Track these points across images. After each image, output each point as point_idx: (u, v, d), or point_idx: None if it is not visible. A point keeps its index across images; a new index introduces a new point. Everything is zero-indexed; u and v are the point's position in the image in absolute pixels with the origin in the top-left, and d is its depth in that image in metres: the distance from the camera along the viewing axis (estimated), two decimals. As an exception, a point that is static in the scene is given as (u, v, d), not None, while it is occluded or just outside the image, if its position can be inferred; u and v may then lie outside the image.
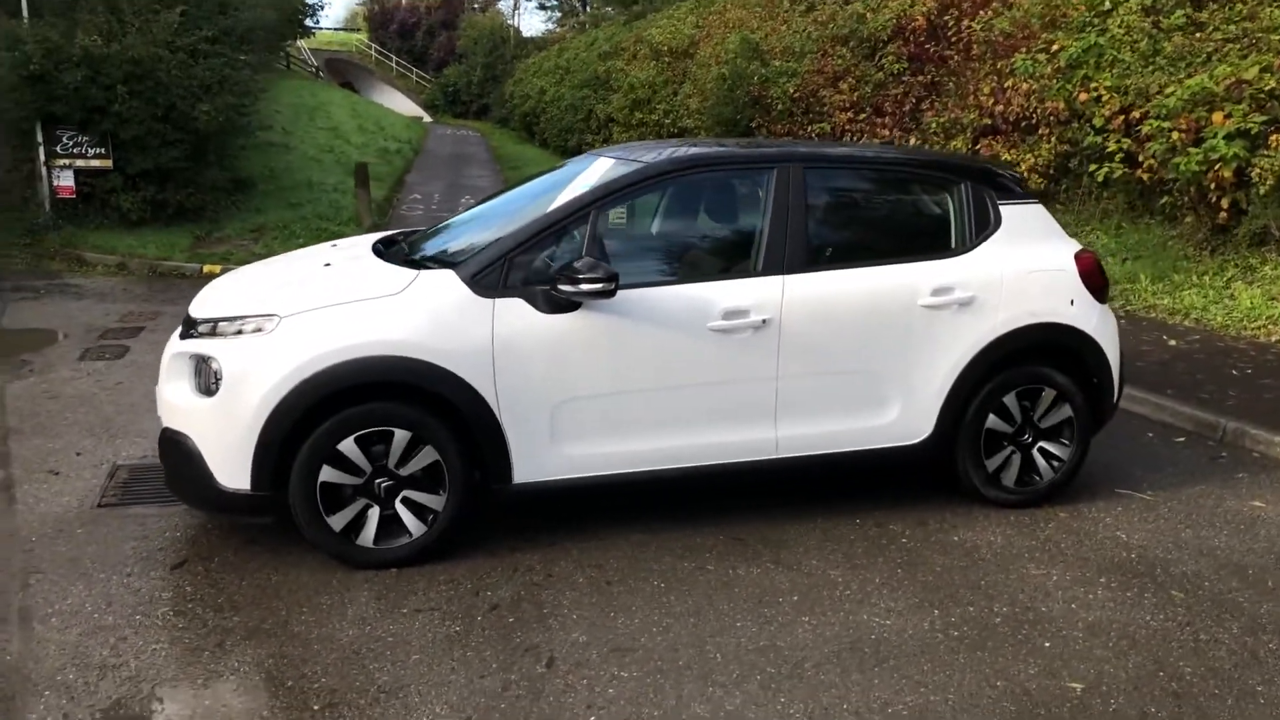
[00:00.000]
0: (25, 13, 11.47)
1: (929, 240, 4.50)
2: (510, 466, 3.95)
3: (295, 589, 3.73)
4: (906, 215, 4.66)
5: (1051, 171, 11.87)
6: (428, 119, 49.12)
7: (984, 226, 4.47)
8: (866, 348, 4.26)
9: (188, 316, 4.06)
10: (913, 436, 4.41)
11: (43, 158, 11.77)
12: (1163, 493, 4.88)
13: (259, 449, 3.70)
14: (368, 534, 3.86)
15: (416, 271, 3.94)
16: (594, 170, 4.38)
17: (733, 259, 4.32)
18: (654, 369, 4.02)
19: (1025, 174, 11.90)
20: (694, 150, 4.38)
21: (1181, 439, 5.76)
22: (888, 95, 14.87)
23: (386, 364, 3.75)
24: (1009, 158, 12.07)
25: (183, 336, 4.02)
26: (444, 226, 4.74)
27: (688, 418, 4.12)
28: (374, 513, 3.87)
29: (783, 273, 4.15)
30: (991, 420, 4.49)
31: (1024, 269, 4.45)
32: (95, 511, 4.41)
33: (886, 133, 14.76)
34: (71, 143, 11.77)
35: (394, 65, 53.74)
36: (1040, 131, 11.79)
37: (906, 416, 4.37)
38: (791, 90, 16.18)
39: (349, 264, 4.27)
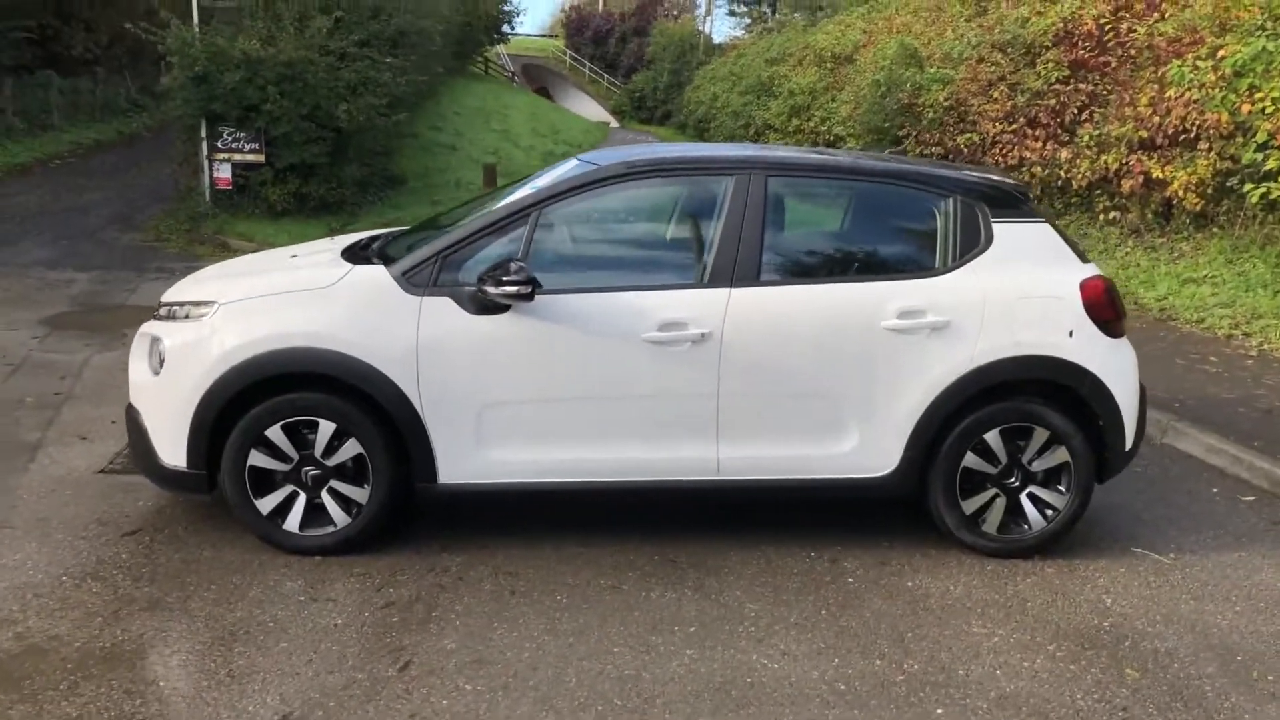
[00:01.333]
0: (196, 19, 12.56)
1: (904, 258, 4.15)
2: (435, 466, 3.94)
3: (216, 567, 3.88)
4: (880, 230, 4.30)
5: (1210, 191, 10.73)
6: (614, 124, 50.36)
7: (971, 246, 4.06)
8: (820, 369, 3.96)
9: (159, 301, 4.31)
10: (875, 469, 4.07)
11: (205, 151, 12.87)
12: (1188, 557, 4.28)
13: (193, 428, 3.87)
14: (293, 520, 3.96)
15: (350, 266, 4.00)
16: (555, 172, 4.31)
17: (679, 269, 4.13)
18: (585, 377, 3.91)
19: (1180, 193, 10.85)
20: (652, 154, 4.23)
21: (1250, 498, 5.03)
22: (1043, 105, 13.90)
23: (309, 355, 3.83)
24: (1161, 175, 11.05)
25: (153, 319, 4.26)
26: (427, 226, 4.79)
27: (621, 430, 3.97)
28: (300, 500, 3.96)
29: (730, 285, 3.93)
30: (971, 459, 4.08)
31: (1013, 294, 4.02)
32: (95, 476, 4.75)
33: (1039, 144, 13.81)
34: (230, 138, 12.80)
35: (586, 71, 55.37)
36: (1200, 146, 10.69)
37: (867, 447, 4.04)
38: (943, 98, 15.43)
39: (310, 257, 4.40)
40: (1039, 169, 13.55)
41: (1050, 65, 13.85)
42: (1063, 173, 13.16)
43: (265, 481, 3.94)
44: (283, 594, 3.69)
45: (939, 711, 3.09)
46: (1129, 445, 4.20)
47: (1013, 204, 4.15)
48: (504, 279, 3.71)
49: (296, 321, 3.84)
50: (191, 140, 13.04)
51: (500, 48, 51.65)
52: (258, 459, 3.90)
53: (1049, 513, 4.16)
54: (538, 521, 4.34)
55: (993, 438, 4.07)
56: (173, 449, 3.92)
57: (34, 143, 19.52)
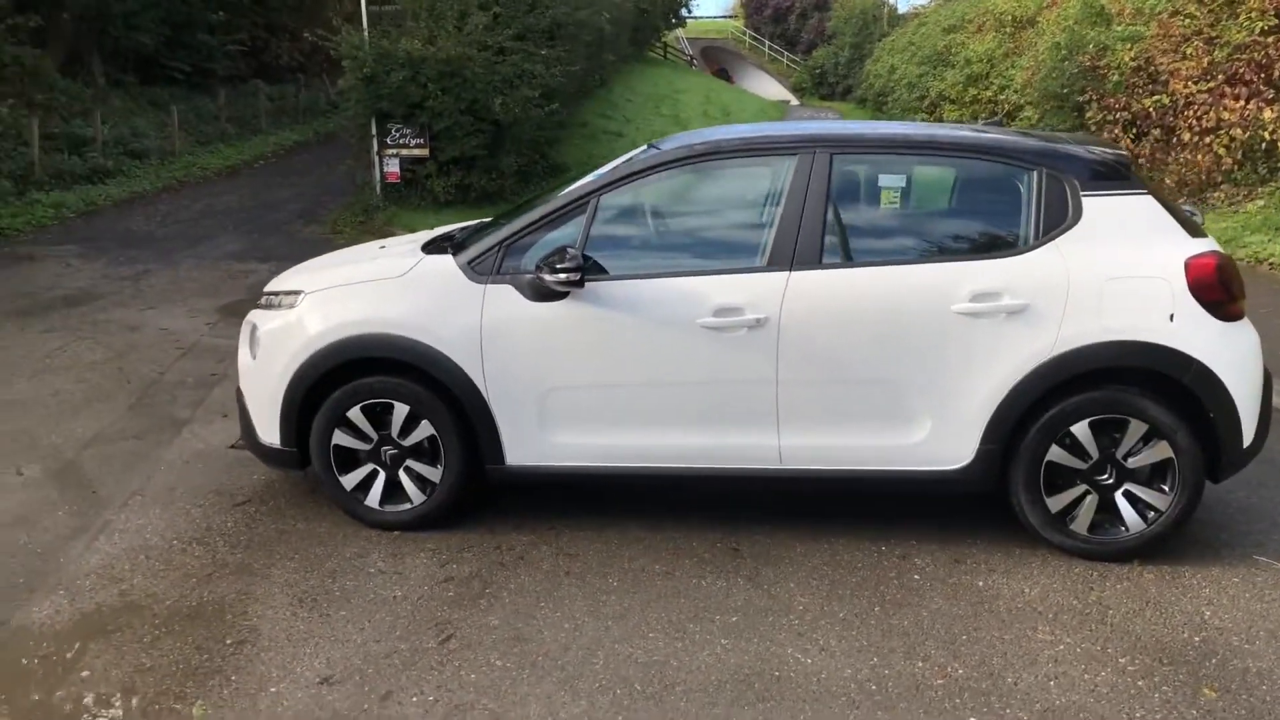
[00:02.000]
0: (365, 23, 13.36)
1: (980, 237, 3.88)
2: (502, 449, 4.07)
3: (306, 537, 4.17)
4: (954, 208, 4.04)
5: None
6: (795, 102, 49.77)
7: (1056, 222, 3.76)
8: (885, 355, 3.79)
9: (262, 291, 4.65)
10: (949, 461, 3.86)
11: (375, 148, 13.68)
12: (1320, 567, 3.81)
13: (284, 409, 4.16)
14: (374, 496, 4.20)
15: (422, 256, 4.18)
16: (625, 157, 4.32)
17: (739, 252, 4.04)
18: (642, 364, 3.92)
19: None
20: (713, 137, 4.15)
21: None
22: (1245, 60, 12.54)
23: (382, 341, 4.03)
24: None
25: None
26: (505, 216, 4.89)
27: (680, 417, 3.95)
28: (381, 477, 4.19)
29: (789, 269, 3.82)
30: (1057, 453, 3.80)
31: (1102, 274, 3.69)
32: (225, 451, 5.20)
33: (1239, 104, 12.50)
34: (398, 134, 13.55)
35: (766, 50, 54.93)
36: None
37: (940, 438, 3.83)
38: (1129, 58, 14.22)
39: (396, 247, 4.62)
40: (1239, 130, 12.30)
41: (1255, 14, 12.50)
42: (1267, 134, 11.89)
43: (349, 459, 4.20)
44: (356, 566, 3.92)
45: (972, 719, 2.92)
46: (1248, 440, 3.78)
47: (1109, 175, 3.80)
48: (558, 266, 3.77)
49: (371, 309, 4.06)
50: (364, 138, 13.89)
51: (679, 32, 52.10)
52: (341, 438, 4.15)
53: (1151, 514, 3.81)
54: (610, 505, 4.40)
55: (1081, 430, 3.76)
56: (269, 427, 4.24)
57: (243, 146, 21.40)
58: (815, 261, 3.83)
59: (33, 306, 8.79)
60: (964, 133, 4.07)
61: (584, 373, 3.96)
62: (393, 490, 4.21)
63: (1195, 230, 3.86)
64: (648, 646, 3.32)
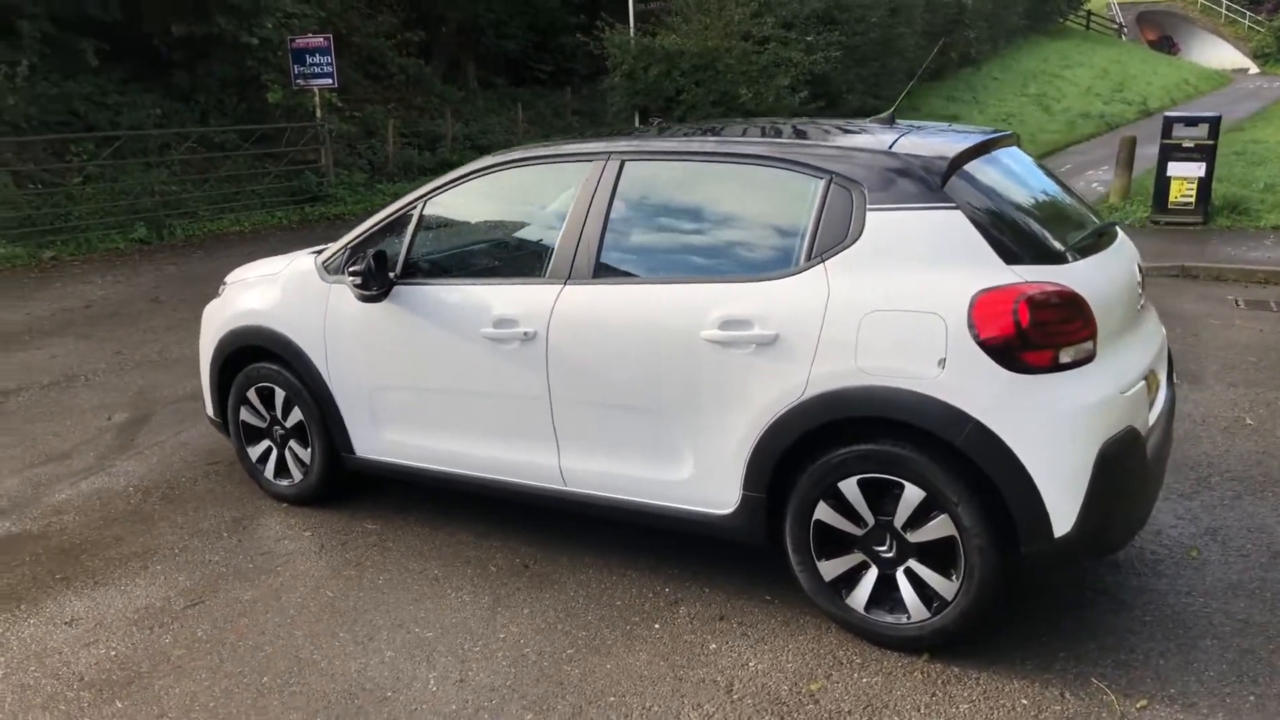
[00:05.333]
0: (631, 22, 13.93)
1: (747, 256, 3.31)
2: (350, 439, 4.32)
3: (219, 499, 4.73)
4: (732, 222, 3.44)
5: None
6: (1253, 70, 43.06)
7: (831, 242, 3.12)
8: (642, 381, 3.42)
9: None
10: (715, 505, 3.40)
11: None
12: (1168, 711, 2.80)
13: (209, 384, 4.78)
14: (270, 469, 4.67)
15: (301, 255, 4.52)
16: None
17: (529, 262, 3.83)
18: (440, 369, 3.93)
19: None
20: (543, 144, 3.98)
21: None
22: None
23: (259, 332, 4.45)
24: None
25: (235, 293, 5.25)
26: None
27: (477, 427, 3.91)
28: (274, 453, 4.65)
29: (565, 281, 3.61)
30: (824, 511, 3.20)
31: (864, 305, 3.01)
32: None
33: None
34: (658, 127, 13.99)
35: (1222, 10, 47.72)
36: None
37: (704, 479, 3.40)
38: None
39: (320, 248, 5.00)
40: None
41: None
42: None
43: (256, 433, 4.70)
44: (222, 528, 4.40)
45: (493, 788, 2.65)
46: (1064, 528, 2.88)
47: (912, 185, 3.07)
48: (349, 270, 3.93)
49: (255, 302, 4.51)
50: (631, 131, 14.52)
51: (1108, -1, 47.25)
52: (245, 415, 4.67)
53: (936, 602, 3.08)
54: (473, 506, 4.44)
55: (850, 489, 3.12)
56: (209, 400, 4.88)
57: (577, 139, 23.25)
58: (590, 275, 3.57)
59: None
60: (759, 138, 3.49)
61: (400, 374, 4.07)
62: (283, 465, 4.64)
63: (1026, 252, 2.98)
64: (323, 649, 3.39)
